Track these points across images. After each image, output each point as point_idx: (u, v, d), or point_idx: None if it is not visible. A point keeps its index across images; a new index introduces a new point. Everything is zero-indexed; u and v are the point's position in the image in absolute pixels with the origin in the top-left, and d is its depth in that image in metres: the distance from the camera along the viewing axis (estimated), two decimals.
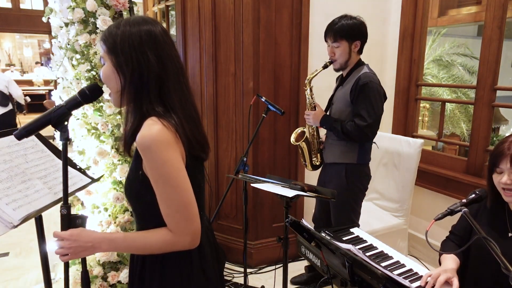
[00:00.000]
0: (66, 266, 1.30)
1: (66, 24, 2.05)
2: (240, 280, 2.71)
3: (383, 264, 1.50)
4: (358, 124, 2.04)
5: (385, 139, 2.79)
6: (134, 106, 1.03)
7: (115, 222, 2.11)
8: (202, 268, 1.13)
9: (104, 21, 1.99)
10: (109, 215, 2.12)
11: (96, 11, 2.00)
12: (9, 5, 9.81)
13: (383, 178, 2.85)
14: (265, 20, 2.61)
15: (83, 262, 1.30)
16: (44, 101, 7.19)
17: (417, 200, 2.97)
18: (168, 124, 0.98)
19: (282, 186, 1.76)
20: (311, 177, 2.81)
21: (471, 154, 2.65)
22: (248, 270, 2.75)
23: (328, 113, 2.30)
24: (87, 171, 1.80)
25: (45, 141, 1.67)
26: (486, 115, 2.55)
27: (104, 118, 2.08)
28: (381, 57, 3.15)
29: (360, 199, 2.28)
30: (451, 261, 1.46)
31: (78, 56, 2.05)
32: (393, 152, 2.74)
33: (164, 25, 3.54)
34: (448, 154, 4.15)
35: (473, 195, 1.31)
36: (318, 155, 2.35)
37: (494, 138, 5.50)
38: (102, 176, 2.05)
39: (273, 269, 2.83)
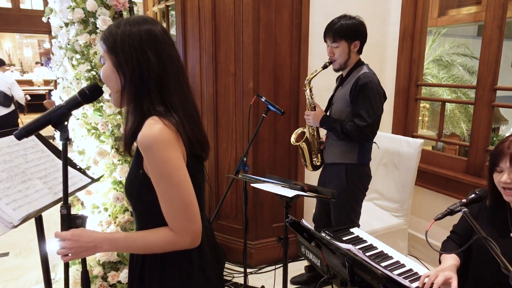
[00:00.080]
0: (66, 266, 1.30)
1: (66, 24, 2.05)
2: (240, 280, 2.72)
3: (383, 264, 1.50)
4: (358, 124, 2.04)
5: (385, 139, 2.80)
6: (135, 106, 1.03)
7: (115, 222, 2.11)
8: (201, 268, 1.13)
9: (104, 21, 1.99)
10: (109, 215, 2.12)
11: (96, 11, 2.00)
12: (9, 5, 9.81)
13: (383, 178, 2.85)
14: (265, 20, 2.61)
15: (83, 262, 1.30)
16: (44, 101, 7.24)
17: (417, 200, 2.97)
18: (169, 123, 0.98)
19: (282, 186, 1.76)
20: (311, 177, 2.81)
21: (471, 154, 2.65)
22: (248, 270, 2.75)
23: (328, 114, 2.30)
24: (87, 171, 1.80)
25: (45, 141, 1.67)
26: (486, 115, 2.55)
27: (104, 118, 2.08)
28: (381, 57, 3.15)
29: (360, 199, 2.28)
30: (450, 260, 1.46)
31: (78, 56, 2.05)
32: (393, 152, 2.74)
33: (164, 25, 3.54)
34: (448, 154, 4.15)
35: (473, 195, 1.31)
36: (319, 155, 2.34)
37: (494, 138, 5.50)
38: (102, 176, 2.05)
39: (273, 269, 2.83)
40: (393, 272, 1.30)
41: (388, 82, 3.16)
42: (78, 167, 1.74)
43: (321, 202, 2.45)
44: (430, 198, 2.94)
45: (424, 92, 5.07)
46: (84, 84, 2.05)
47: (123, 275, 2.12)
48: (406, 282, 1.22)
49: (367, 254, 1.57)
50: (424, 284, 1.31)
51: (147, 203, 1.05)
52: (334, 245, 1.27)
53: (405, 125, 3.16)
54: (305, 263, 2.85)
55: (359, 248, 1.43)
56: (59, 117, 1.07)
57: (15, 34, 12.76)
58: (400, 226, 2.68)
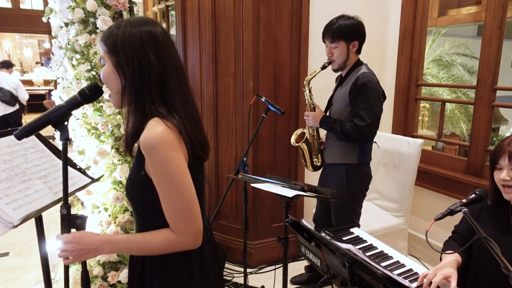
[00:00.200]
0: (66, 266, 1.29)
1: (66, 24, 2.05)
2: (240, 280, 2.72)
3: (383, 264, 1.50)
4: (358, 124, 2.04)
5: (385, 139, 2.80)
6: (135, 107, 1.03)
7: (115, 222, 2.11)
8: (202, 268, 1.13)
9: (104, 21, 1.99)
10: (109, 215, 2.12)
11: (96, 11, 2.00)
12: (9, 5, 9.81)
13: (383, 178, 2.85)
14: (265, 20, 2.61)
15: (83, 262, 1.30)
16: (44, 101, 7.48)
17: (417, 200, 2.97)
18: (171, 124, 0.98)
19: (282, 186, 1.76)
20: (311, 177, 2.81)
21: (471, 154, 2.65)
22: (248, 270, 2.75)
23: (327, 114, 2.30)
24: (87, 171, 1.80)
25: (45, 141, 1.67)
26: (486, 115, 2.55)
27: (104, 118, 2.08)
28: (381, 57, 3.15)
29: (360, 200, 2.28)
30: (450, 257, 1.45)
31: (78, 56, 2.05)
32: (393, 152, 2.74)
33: (164, 25, 3.54)
34: (448, 154, 4.15)
35: (473, 195, 1.31)
36: (319, 155, 2.34)
37: (494, 138, 5.50)
38: (102, 176, 2.05)
39: (273, 269, 2.83)
40: (393, 272, 1.30)
41: (388, 82, 3.16)
42: (78, 167, 1.74)
43: (321, 202, 2.45)
44: (430, 198, 2.94)
45: (424, 92, 5.07)
46: (84, 84, 2.05)
47: (123, 275, 2.12)
48: (406, 282, 1.22)
49: (367, 254, 1.57)
50: (422, 283, 1.31)
51: (148, 204, 1.05)
52: (334, 245, 1.27)
53: (405, 125, 3.16)
54: (305, 263, 2.85)
55: (359, 248, 1.43)
56: (59, 117, 1.07)
57: (15, 34, 12.76)
58: (400, 226, 2.68)
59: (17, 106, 5.90)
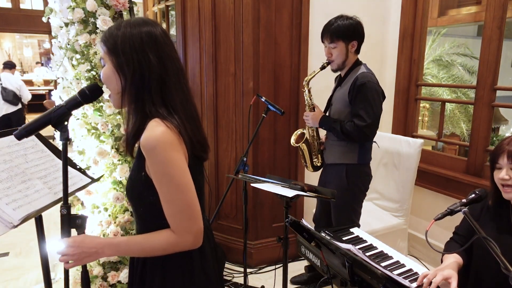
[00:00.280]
0: None
1: (66, 24, 2.05)
2: (240, 280, 2.72)
3: (383, 264, 1.50)
4: (358, 124, 2.04)
5: (385, 139, 2.80)
6: (135, 107, 1.03)
7: (115, 222, 2.11)
8: (203, 268, 1.13)
9: (104, 21, 1.99)
10: (109, 215, 2.12)
11: (96, 11, 2.00)
12: (9, 5, 9.80)
13: (383, 178, 2.85)
14: (265, 20, 2.61)
15: None
16: (44, 101, 7.67)
17: (417, 200, 2.97)
18: (171, 125, 0.99)
19: (282, 186, 1.76)
20: (311, 177, 2.81)
21: (471, 154, 2.65)
22: (248, 270, 2.75)
23: (327, 114, 2.30)
24: (87, 171, 1.80)
25: (45, 141, 1.67)
26: (486, 115, 2.55)
27: (104, 118, 2.08)
28: (381, 57, 3.15)
29: (360, 200, 2.28)
30: (451, 258, 1.45)
31: (78, 56, 2.05)
32: (393, 152, 2.74)
33: (164, 25, 3.54)
34: (448, 154, 4.15)
35: (473, 195, 1.32)
36: (319, 156, 2.34)
37: (494, 138, 5.50)
38: (102, 176, 2.05)
39: (273, 269, 2.84)
40: (393, 272, 1.30)
41: (388, 82, 3.16)
42: (78, 167, 1.74)
43: (321, 202, 2.45)
44: (430, 198, 2.94)
45: (424, 92, 5.08)
46: (84, 84, 2.05)
47: (123, 275, 2.12)
48: (406, 282, 1.22)
49: (367, 254, 1.57)
50: (422, 284, 1.31)
51: (149, 205, 1.05)
52: (334, 245, 1.27)
53: (405, 125, 3.16)
54: (305, 263, 2.85)
55: (359, 248, 1.43)
56: (59, 117, 1.07)
57: (15, 34, 12.75)
58: (400, 226, 2.68)
59: (19, 106, 6.14)
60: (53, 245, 1.07)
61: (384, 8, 3.07)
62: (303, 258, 1.76)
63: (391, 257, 1.57)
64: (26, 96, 6.26)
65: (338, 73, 2.27)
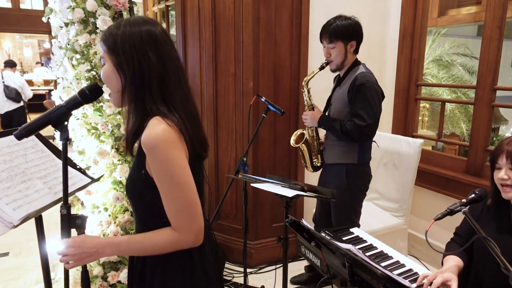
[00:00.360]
0: None
1: (66, 24, 2.05)
2: (240, 280, 2.72)
3: (383, 264, 1.50)
4: (358, 123, 2.04)
5: (385, 139, 2.80)
6: (135, 106, 1.03)
7: (115, 222, 2.11)
8: (203, 267, 1.13)
9: (104, 21, 1.99)
10: (109, 215, 2.12)
11: (96, 11, 2.00)
12: (9, 5, 9.80)
13: (383, 178, 2.85)
14: (265, 20, 2.61)
15: None
16: (44, 101, 7.80)
17: (417, 200, 2.97)
18: (172, 123, 0.99)
19: (282, 186, 1.76)
20: (311, 177, 2.81)
21: (471, 154, 2.65)
22: (248, 270, 2.75)
23: (326, 114, 2.30)
24: (87, 171, 1.80)
25: (45, 141, 1.67)
26: (486, 115, 2.55)
27: (104, 118, 2.08)
28: (381, 57, 3.15)
29: (360, 199, 2.28)
30: (452, 261, 1.46)
31: (78, 56, 2.05)
32: (393, 152, 2.74)
33: (164, 25, 3.54)
34: (448, 154, 4.15)
35: (473, 195, 1.32)
36: (319, 156, 2.34)
37: (494, 138, 5.50)
38: (102, 176, 2.05)
39: (273, 269, 2.84)
40: (393, 272, 1.30)
41: (388, 82, 3.16)
42: (78, 167, 1.74)
43: (321, 202, 2.45)
44: (430, 198, 2.94)
45: (424, 92, 5.08)
46: (84, 84, 2.05)
47: (123, 275, 2.12)
48: (406, 282, 1.22)
49: (367, 254, 1.57)
50: (422, 284, 1.31)
51: (149, 203, 1.05)
52: (334, 245, 1.27)
53: (405, 125, 3.16)
54: (305, 263, 2.85)
55: (359, 248, 1.43)
56: (59, 117, 1.07)
57: (15, 34, 12.75)
58: (400, 226, 2.68)
59: (21, 103, 6.39)
60: (53, 245, 1.07)
61: (384, 8, 3.07)
62: (303, 258, 1.76)
63: (391, 257, 1.57)
64: (28, 94, 6.49)
65: (337, 73, 2.27)
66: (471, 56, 6.65)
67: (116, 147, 2.11)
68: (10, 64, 6.49)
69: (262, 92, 2.62)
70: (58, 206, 1.14)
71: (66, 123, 1.08)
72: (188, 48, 2.88)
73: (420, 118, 4.68)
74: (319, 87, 2.56)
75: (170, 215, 1.01)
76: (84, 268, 1.28)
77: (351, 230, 1.83)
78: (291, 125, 2.82)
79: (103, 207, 2.14)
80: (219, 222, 2.97)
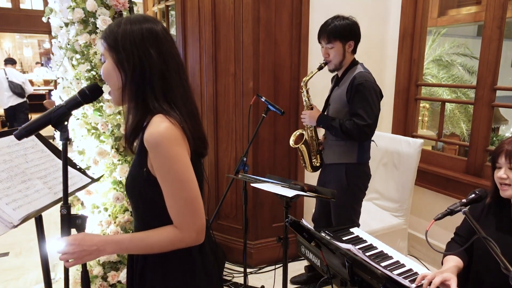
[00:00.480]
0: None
1: (66, 24, 2.05)
2: (240, 280, 2.72)
3: (383, 264, 1.50)
4: (357, 123, 2.05)
5: (385, 139, 2.80)
6: (136, 103, 1.03)
7: (115, 222, 2.11)
8: (204, 266, 1.13)
9: (104, 21, 1.99)
10: (109, 215, 2.12)
11: (96, 11, 2.00)
12: (9, 5, 9.79)
13: (383, 178, 2.85)
14: (265, 20, 2.61)
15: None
16: (44, 101, 7.99)
17: (417, 200, 2.97)
18: (174, 121, 0.99)
19: (282, 186, 1.76)
20: (311, 177, 2.81)
21: (471, 154, 2.65)
22: (248, 270, 2.75)
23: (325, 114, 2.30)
24: (87, 171, 1.80)
25: (45, 141, 1.67)
26: (486, 115, 2.55)
27: (104, 118, 2.08)
28: (381, 57, 3.15)
29: (360, 199, 2.28)
30: (451, 262, 1.46)
31: (78, 56, 2.05)
32: (393, 152, 2.74)
33: (164, 25, 3.54)
34: (448, 154, 4.15)
35: (473, 195, 1.32)
36: (318, 156, 2.35)
37: (494, 138, 5.50)
38: (102, 176, 2.05)
39: (273, 269, 2.84)
40: (393, 272, 1.30)
41: (388, 82, 3.16)
42: (78, 167, 1.74)
43: (321, 202, 2.45)
44: (430, 198, 2.94)
45: (424, 92, 5.08)
46: (84, 84, 2.05)
47: (123, 275, 2.12)
48: (406, 282, 1.22)
49: (367, 254, 1.57)
50: (421, 284, 1.31)
51: (150, 202, 1.05)
52: (334, 245, 1.27)
53: (405, 125, 3.16)
54: (305, 263, 2.85)
55: (359, 248, 1.43)
56: (59, 117, 1.07)
57: (15, 34, 12.74)
58: (400, 226, 2.68)
59: (25, 99, 6.77)
60: (53, 245, 1.07)
61: (384, 8, 3.07)
62: (303, 258, 1.76)
63: (391, 257, 1.57)
64: (29, 90, 6.88)
65: (335, 73, 2.28)
66: (471, 56, 6.65)
67: (116, 147, 2.11)
68: (11, 62, 6.79)
69: (262, 92, 2.62)
70: (58, 206, 1.14)
71: (66, 123, 1.08)
72: (188, 48, 2.88)
73: (420, 118, 4.68)
74: (318, 87, 2.56)
75: (172, 213, 1.01)
76: (84, 268, 1.28)
77: (351, 230, 1.83)
78: (291, 125, 2.82)
79: (103, 207, 2.14)
80: (219, 222, 2.97)
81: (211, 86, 2.78)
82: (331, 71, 2.22)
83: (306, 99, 2.27)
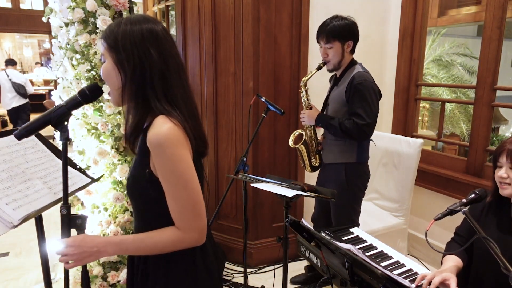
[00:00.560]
0: None
1: (66, 24, 2.05)
2: (240, 280, 2.72)
3: (383, 264, 1.50)
4: (357, 122, 2.05)
5: (385, 139, 2.80)
6: (136, 103, 1.03)
7: (115, 222, 2.11)
8: (205, 266, 1.13)
9: (104, 21, 1.99)
10: (109, 215, 2.12)
11: (96, 11, 2.00)
12: (9, 5, 9.79)
13: (383, 178, 2.85)
14: (265, 20, 2.61)
15: None
16: (44, 101, 8.06)
17: (417, 200, 2.97)
18: (176, 121, 0.99)
19: (282, 186, 1.76)
20: (311, 177, 2.81)
21: (471, 154, 2.65)
22: (248, 270, 2.75)
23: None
24: (87, 171, 1.80)
25: (45, 141, 1.67)
26: (486, 115, 2.55)
27: (104, 118, 2.08)
28: (381, 57, 3.15)
29: (360, 198, 2.28)
30: (451, 261, 1.46)
31: (78, 56, 2.05)
32: (393, 152, 2.74)
33: (164, 25, 3.54)
34: (448, 154, 4.15)
35: (473, 195, 1.33)
36: (317, 156, 2.35)
37: (494, 138, 5.50)
38: (102, 176, 2.05)
39: (273, 269, 2.83)
40: (393, 272, 1.30)
41: (388, 82, 3.16)
42: (78, 167, 1.74)
43: (320, 202, 2.45)
44: (430, 198, 2.94)
45: (424, 92, 5.08)
46: (84, 84, 2.05)
47: (123, 275, 2.12)
48: (406, 282, 1.22)
49: (367, 254, 1.57)
50: (421, 284, 1.31)
51: (151, 202, 1.05)
52: (334, 245, 1.27)
53: (405, 125, 3.16)
54: (305, 263, 2.85)
55: (359, 248, 1.43)
56: (59, 117, 1.07)
57: (15, 34, 12.74)
58: (400, 226, 2.68)
59: (27, 99, 6.88)
60: (53, 245, 1.07)
61: (384, 8, 3.07)
62: (303, 258, 1.76)
63: (391, 257, 1.57)
64: (30, 90, 6.96)
65: (334, 73, 2.28)
66: (471, 56, 6.65)
67: (116, 147, 2.11)
68: (11, 63, 6.88)
69: (262, 92, 2.62)
70: (58, 206, 1.14)
71: (66, 123, 1.08)
72: (188, 48, 2.88)
73: (420, 118, 4.68)
74: (318, 87, 2.56)
75: (174, 214, 1.01)
76: (84, 268, 1.28)
77: (351, 230, 1.83)
78: (291, 125, 2.82)
79: (103, 207, 2.14)
80: (219, 222, 2.97)
81: (211, 86, 2.78)
82: (330, 71, 2.23)
83: (305, 99, 2.27)
